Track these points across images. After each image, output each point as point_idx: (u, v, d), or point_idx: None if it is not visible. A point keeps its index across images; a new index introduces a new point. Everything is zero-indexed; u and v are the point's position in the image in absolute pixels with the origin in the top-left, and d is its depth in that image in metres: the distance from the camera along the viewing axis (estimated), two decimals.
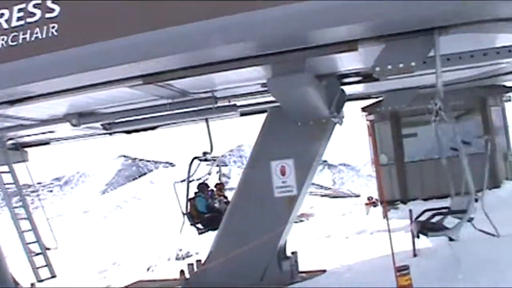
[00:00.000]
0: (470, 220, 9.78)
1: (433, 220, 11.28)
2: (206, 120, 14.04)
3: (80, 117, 12.85)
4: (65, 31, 9.07)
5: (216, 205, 15.34)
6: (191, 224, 15.48)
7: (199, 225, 15.46)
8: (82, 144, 19.27)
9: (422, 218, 11.03)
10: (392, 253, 10.94)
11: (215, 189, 16.40)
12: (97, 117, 13.17)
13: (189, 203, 15.30)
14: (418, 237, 9.77)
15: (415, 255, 12.90)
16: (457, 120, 22.23)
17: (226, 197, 16.38)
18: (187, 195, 14.98)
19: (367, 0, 7.60)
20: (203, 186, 16.20)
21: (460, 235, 9.12)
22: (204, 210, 15.28)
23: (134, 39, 8.39)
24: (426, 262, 12.10)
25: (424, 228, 9.90)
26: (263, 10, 7.87)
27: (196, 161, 14.39)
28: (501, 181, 20.87)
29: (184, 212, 14.52)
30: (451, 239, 11.89)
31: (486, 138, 16.30)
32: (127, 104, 12.48)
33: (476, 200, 10.80)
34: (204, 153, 14.61)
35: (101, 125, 13.97)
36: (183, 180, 15.82)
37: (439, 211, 10.96)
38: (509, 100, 21.93)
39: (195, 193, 15.73)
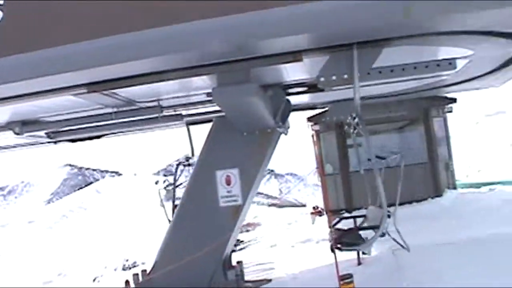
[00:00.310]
0: (383, 235, 9.88)
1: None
2: (187, 124, 13.98)
3: (23, 125, 12.60)
4: (7, 38, 8.91)
5: None
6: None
7: None
8: (26, 152, 18.94)
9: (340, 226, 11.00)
10: (336, 262, 11.04)
11: None
12: (41, 126, 12.93)
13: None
14: (333, 251, 9.80)
15: (359, 264, 13.04)
16: (401, 130, 22.71)
17: None
18: (174, 201, 14.88)
19: (312, 11, 7.66)
20: None
21: (372, 249, 9.21)
22: None
23: (78, 46, 8.26)
24: (370, 270, 12.24)
25: (338, 242, 9.93)
26: (209, 20, 7.87)
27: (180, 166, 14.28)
28: (443, 190, 21.27)
29: (170, 219, 14.38)
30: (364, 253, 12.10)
31: (400, 154, 16.71)
32: (72, 113, 12.31)
33: (389, 216, 10.97)
34: (187, 158, 14.52)
35: (46, 133, 13.73)
36: (168, 186, 15.69)
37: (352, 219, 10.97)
38: (451, 111, 22.44)
39: None
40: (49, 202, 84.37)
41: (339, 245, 9.70)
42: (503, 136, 32.78)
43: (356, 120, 9.58)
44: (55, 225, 56.46)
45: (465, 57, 10.94)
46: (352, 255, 13.09)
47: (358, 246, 9.37)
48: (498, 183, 23.01)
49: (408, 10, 7.40)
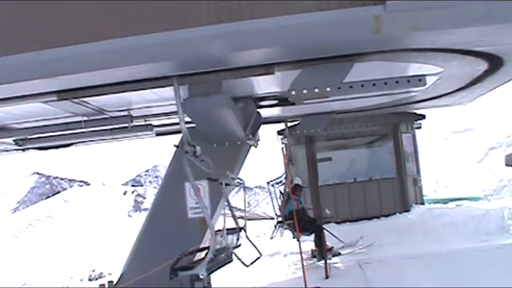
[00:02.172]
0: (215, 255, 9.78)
1: None
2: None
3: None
4: None
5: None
6: (285, 228, 15.43)
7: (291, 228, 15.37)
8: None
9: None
10: (304, 275, 11.07)
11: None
12: (9, 133, 12.78)
13: (283, 205, 15.26)
14: (171, 279, 9.65)
15: (327, 277, 13.09)
16: (371, 145, 22.89)
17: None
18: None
19: (284, 24, 7.69)
20: (298, 187, 15.99)
21: (204, 271, 9.18)
22: (290, 212, 15.12)
23: (49, 53, 8.18)
24: (338, 283, 12.31)
25: (172, 267, 9.72)
26: (181, 30, 7.86)
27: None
28: (411, 205, 21.45)
29: None
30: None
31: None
32: (42, 120, 12.19)
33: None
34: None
35: (14, 140, 13.58)
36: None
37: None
38: (420, 127, 22.70)
39: (288, 195, 15.60)
40: (15, 211, 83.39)
41: (173, 272, 9.49)
42: (471, 153, 33.15)
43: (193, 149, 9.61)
44: (20, 234, 55.76)
45: (435, 74, 11.08)
46: (320, 267, 13.14)
47: (192, 270, 9.26)
48: (465, 199, 23.27)
49: (377, 26, 7.47)
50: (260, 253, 11.77)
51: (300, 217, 14.81)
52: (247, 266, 11.39)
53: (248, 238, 11.57)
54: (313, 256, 15.96)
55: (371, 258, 14.53)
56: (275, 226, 16.80)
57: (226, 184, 10.65)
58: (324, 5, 7.58)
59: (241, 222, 11.79)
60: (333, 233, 16.07)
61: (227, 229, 10.64)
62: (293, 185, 16.38)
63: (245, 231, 11.56)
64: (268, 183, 17.50)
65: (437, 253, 13.35)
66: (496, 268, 10.92)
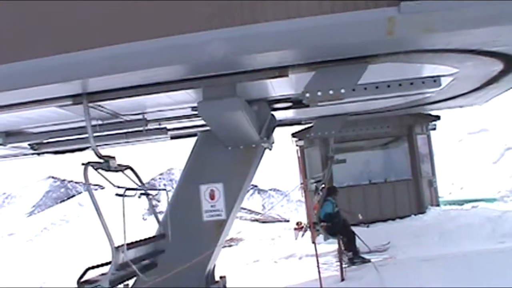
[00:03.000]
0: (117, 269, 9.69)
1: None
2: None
3: (7, 136, 12.51)
4: None
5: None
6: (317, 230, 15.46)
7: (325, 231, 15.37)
8: (8, 164, 18.82)
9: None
10: (320, 277, 11.05)
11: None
12: (25, 137, 12.85)
13: (317, 206, 15.28)
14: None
15: (342, 279, 13.06)
16: (385, 146, 22.83)
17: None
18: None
19: (298, 27, 7.69)
20: (334, 190, 15.97)
21: (107, 284, 9.14)
22: (326, 215, 15.10)
23: (64, 58, 8.22)
24: (354, 286, 12.27)
25: (82, 282, 9.63)
26: (195, 34, 7.87)
27: None
28: (426, 207, 21.38)
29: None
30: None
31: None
32: (57, 124, 12.26)
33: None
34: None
35: (29, 145, 13.64)
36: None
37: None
38: (434, 129, 22.61)
39: (325, 196, 15.60)
40: (30, 215, 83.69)
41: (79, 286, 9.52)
42: (486, 154, 33.00)
43: None
44: (35, 238, 56.01)
45: (449, 75, 11.04)
46: (335, 270, 13.11)
47: (96, 283, 9.27)
48: (481, 200, 23.20)
49: (391, 28, 7.45)
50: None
51: (335, 221, 14.81)
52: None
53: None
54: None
55: (386, 260, 14.49)
56: (307, 228, 16.71)
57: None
58: (337, 7, 7.56)
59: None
60: (361, 238, 15.99)
61: (142, 240, 10.62)
62: (330, 187, 16.29)
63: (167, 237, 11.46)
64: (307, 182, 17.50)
65: (453, 255, 13.29)
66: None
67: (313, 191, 19.95)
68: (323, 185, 17.60)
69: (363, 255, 15.53)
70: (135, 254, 10.36)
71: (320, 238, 18.57)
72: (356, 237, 15.65)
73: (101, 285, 9.23)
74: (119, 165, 10.61)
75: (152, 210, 11.76)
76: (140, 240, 10.97)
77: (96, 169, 9.81)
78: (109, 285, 9.29)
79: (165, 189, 12.27)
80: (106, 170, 9.98)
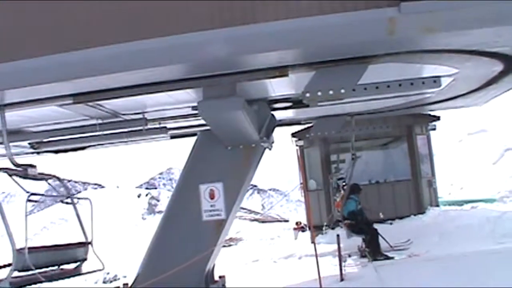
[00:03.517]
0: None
1: None
2: None
3: (7, 135, 12.55)
4: None
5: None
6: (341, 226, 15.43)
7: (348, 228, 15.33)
8: (8, 163, 18.78)
9: None
10: (319, 277, 11.05)
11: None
12: (25, 136, 12.87)
13: (339, 203, 15.24)
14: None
15: (342, 279, 13.06)
16: (385, 146, 22.84)
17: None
18: None
19: (298, 27, 7.70)
20: (357, 187, 15.92)
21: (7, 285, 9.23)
22: (349, 212, 15.05)
23: (64, 57, 8.23)
24: (353, 286, 12.27)
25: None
26: (194, 33, 7.88)
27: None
28: (426, 207, 21.39)
29: None
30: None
31: None
32: (57, 123, 12.27)
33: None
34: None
35: (29, 144, 13.65)
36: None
37: None
38: (434, 129, 22.61)
39: (348, 194, 15.54)
40: (30, 214, 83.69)
41: None
42: (486, 154, 33.01)
43: None
44: (35, 237, 55.91)
45: (449, 75, 11.04)
46: (335, 270, 13.12)
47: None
48: (480, 201, 23.21)
49: (391, 28, 7.46)
50: (103, 266, 11.74)
51: (358, 219, 14.79)
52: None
53: (94, 252, 11.53)
54: (363, 256, 15.83)
55: (385, 260, 14.51)
56: (327, 226, 16.68)
57: None
58: (338, 7, 7.57)
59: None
60: (383, 236, 15.92)
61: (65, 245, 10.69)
62: (353, 185, 16.25)
63: (91, 245, 11.49)
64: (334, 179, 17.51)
65: (452, 255, 13.29)
66: None
67: (335, 188, 19.99)
68: (344, 183, 17.55)
69: (386, 253, 15.48)
70: (42, 258, 10.37)
71: (319, 238, 18.62)
72: (381, 236, 15.62)
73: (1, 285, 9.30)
74: (41, 173, 10.66)
75: (78, 217, 11.71)
76: (52, 246, 11.01)
77: (10, 175, 9.87)
78: (9, 286, 9.35)
79: (88, 198, 12.33)
80: (23, 178, 10.02)
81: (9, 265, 9.87)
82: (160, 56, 8.11)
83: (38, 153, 15.07)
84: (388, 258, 15.09)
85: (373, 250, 15.09)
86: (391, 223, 18.78)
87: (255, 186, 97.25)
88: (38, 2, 8.41)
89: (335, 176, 19.25)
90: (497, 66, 10.67)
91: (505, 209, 18.91)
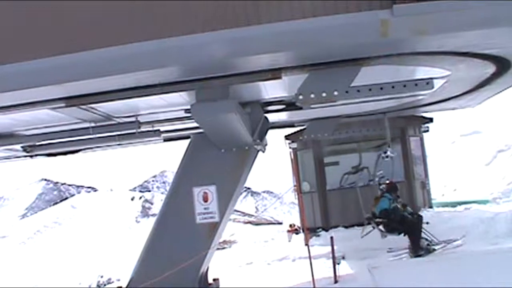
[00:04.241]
0: None
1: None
2: None
3: None
4: None
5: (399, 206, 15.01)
6: (373, 227, 15.23)
7: (381, 227, 15.13)
8: (1, 166, 18.75)
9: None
10: (313, 279, 11.04)
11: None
12: (17, 139, 12.84)
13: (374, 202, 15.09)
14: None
15: (336, 281, 13.05)
16: (378, 148, 22.83)
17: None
18: None
19: (291, 29, 7.70)
20: (393, 186, 15.73)
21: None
22: (382, 211, 14.88)
23: (57, 60, 8.21)
24: (347, 287, 12.27)
25: None
26: (187, 36, 7.88)
27: None
28: (420, 209, 21.37)
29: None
30: None
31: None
32: (50, 127, 12.24)
33: None
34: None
35: (22, 147, 13.62)
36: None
37: None
38: (427, 131, 22.63)
39: (382, 192, 15.38)
40: (23, 217, 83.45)
41: None
42: (479, 155, 33.08)
43: None
44: (28, 241, 55.84)
45: (442, 77, 11.08)
46: (329, 272, 13.13)
47: None
48: (474, 202, 23.23)
49: (384, 30, 7.48)
50: None
51: (391, 217, 14.66)
52: None
53: None
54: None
55: (380, 262, 14.49)
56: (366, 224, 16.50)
57: None
58: (330, 10, 7.59)
59: None
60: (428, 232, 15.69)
61: None
62: (389, 183, 16.12)
63: None
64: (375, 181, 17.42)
65: (446, 256, 13.31)
66: (506, 271, 10.86)
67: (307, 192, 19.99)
68: (387, 180, 17.38)
69: (433, 246, 15.12)
70: None
71: (313, 240, 18.61)
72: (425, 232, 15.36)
73: None
74: None
75: None
76: None
77: None
78: None
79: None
80: None
81: None
82: (153, 59, 8.11)
83: (31, 156, 15.03)
84: (429, 250, 14.80)
85: (412, 247, 14.83)
86: (427, 223, 18.63)
87: (249, 188, 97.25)
88: (31, 5, 8.38)
89: (377, 175, 19.07)
90: (490, 68, 10.70)
91: (498, 210, 18.93)
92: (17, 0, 8.43)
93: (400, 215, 14.81)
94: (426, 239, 14.95)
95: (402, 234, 14.67)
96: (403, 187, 21.74)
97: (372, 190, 18.76)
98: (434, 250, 14.83)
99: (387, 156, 17.77)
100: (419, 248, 14.43)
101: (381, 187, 16.45)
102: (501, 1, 7.22)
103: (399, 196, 16.06)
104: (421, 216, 15.34)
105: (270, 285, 14.31)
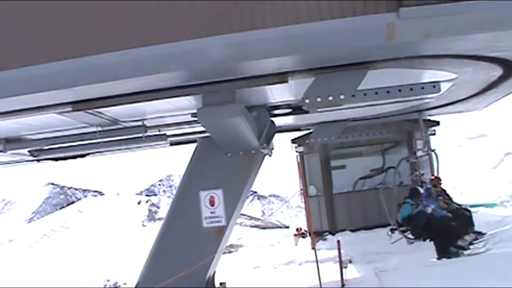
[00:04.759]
0: None
1: None
2: None
3: (7, 143, 12.54)
4: None
5: (429, 210, 14.44)
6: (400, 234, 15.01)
7: (409, 234, 14.90)
8: (8, 170, 18.79)
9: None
10: (320, 283, 11.02)
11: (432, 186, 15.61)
12: (25, 143, 12.87)
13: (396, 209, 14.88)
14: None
15: (343, 285, 13.03)
16: (385, 152, 22.78)
17: (446, 196, 15.66)
18: None
19: (297, 33, 7.70)
20: (415, 191, 15.45)
21: None
22: (404, 218, 14.62)
23: (64, 64, 8.22)
24: None
25: None
26: (193, 40, 7.89)
27: None
28: None
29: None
30: None
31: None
32: (56, 131, 12.27)
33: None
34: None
35: (29, 151, 13.65)
36: None
37: None
38: (434, 134, 22.54)
39: (405, 198, 15.17)
40: (30, 221, 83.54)
41: None
42: (486, 159, 32.96)
43: None
44: (35, 244, 55.87)
45: (448, 81, 11.05)
46: (336, 276, 13.10)
47: None
48: (481, 205, 23.11)
49: (391, 33, 7.47)
50: None
51: (413, 224, 14.37)
52: None
53: None
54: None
55: (387, 266, 14.45)
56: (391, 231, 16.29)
57: None
58: (336, 13, 7.58)
59: None
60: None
61: None
62: (412, 188, 15.89)
63: None
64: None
65: (454, 260, 13.25)
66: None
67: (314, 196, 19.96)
68: (433, 176, 17.05)
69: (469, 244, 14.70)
70: None
71: (319, 244, 18.58)
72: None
73: None
74: None
75: None
76: None
77: None
78: None
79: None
80: None
81: None
82: (159, 63, 8.11)
83: (38, 160, 15.06)
84: (458, 254, 14.29)
85: (437, 250, 14.37)
86: (391, 229, 18.61)
87: (255, 192, 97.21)
88: (37, 10, 8.40)
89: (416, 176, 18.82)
90: (496, 71, 10.67)
91: (505, 214, 18.87)
92: (23, 4, 8.45)
93: (427, 218, 14.36)
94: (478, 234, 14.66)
95: (428, 240, 14.34)
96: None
97: (378, 194, 18.74)
98: (462, 254, 14.32)
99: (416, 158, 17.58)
100: (444, 252, 13.95)
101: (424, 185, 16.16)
102: (508, 3, 7.19)
103: (441, 194, 15.64)
104: (467, 213, 15.03)
105: None
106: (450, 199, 15.70)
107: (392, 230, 15.57)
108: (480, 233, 15.07)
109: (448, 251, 13.95)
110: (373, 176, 20.86)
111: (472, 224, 14.58)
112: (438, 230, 14.07)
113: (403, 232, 14.98)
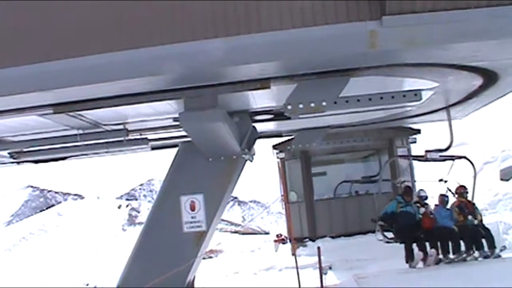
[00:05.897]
0: None
1: None
2: None
3: None
4: None
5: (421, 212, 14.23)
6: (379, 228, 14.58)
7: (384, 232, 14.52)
8: None
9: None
10: None
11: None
12: (4, 145, 12.77)
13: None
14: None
15: None
16: (366, 159, 22.87)
17: (470, 209, 14.78)
18: None
19: (280, 39, 7.72)
20: (408, 190, 15.17)
21: None
22: (386, 213, 14.18)
23: (45, 66, 8.18)
24: None
25: None
26: (178, 44, 7.88)
27: None
28: None
29: None
30: None
31: None
32: (37, 133, 12.18)
33: None
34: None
35: (9, 153, 13.54)
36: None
37: None
38: (415, 142, 22.65)
39: (397, 195, 14.93)
40: (9, 224, 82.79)
41: None
42: (466, 167, 33.16)
43: None
44: (14, 248, 55.42)
45: (430, 89, 11.11)
46: (316, 282, 13.10)
47: None
48: None
49: (373, 41, 7.51)
50: None
51: (390, 222, 13.99)
52: None
53: None
54: (437, 263, 13.65)
55: (366, 273, 14.48)
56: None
57: None
58: (320, 20, 7.61)
59: None
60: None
61: None
62: (405, 186, 15.72)
63: None
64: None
65: (433, 267, 13.30)
66: (492, 281, 10.89)
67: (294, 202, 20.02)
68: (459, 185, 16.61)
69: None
70: None
71: (299, 250, 18.58)
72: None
73: None
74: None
75: None
76: None
77: None
78: None
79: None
80: None
81: None
82: (142, 66, 8.10)
83: (18, 163, 14.95)
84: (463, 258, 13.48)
85: (409, 252, 13.79)
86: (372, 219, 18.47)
87: (236, 198, 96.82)
88: (19, 11, 8.36)
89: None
90: (477, 80, 10.76)
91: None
92: (3, 6, 8.41)
93: (415, 221, 13.82)
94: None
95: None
96: (391, 197, 21.76)
97: (359, 201, 18.85)
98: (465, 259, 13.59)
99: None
100: (410, 257, 13.53)
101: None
102: (490, 14, 7.27)
103: (461, 206, 15.15)
104: (482, 232, 14.06)
105: None
106: (473, 214, 14.85)
107: (373, 220, 15.27)
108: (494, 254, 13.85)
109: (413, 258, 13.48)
110: (359, 182, 20.91)
111: (491, 246, 13.59)
112: (435, 237, 13.48)
113: (381, 227, 14.65)
